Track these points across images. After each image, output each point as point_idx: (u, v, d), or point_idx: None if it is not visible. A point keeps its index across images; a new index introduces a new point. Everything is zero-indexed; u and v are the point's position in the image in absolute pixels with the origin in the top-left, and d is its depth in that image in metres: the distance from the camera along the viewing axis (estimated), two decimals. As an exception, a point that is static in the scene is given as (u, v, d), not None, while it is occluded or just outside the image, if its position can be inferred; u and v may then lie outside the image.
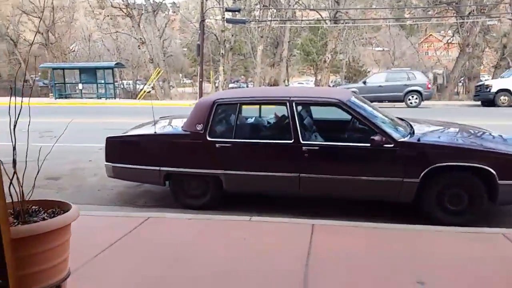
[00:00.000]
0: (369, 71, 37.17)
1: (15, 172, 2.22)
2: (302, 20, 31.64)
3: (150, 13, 32.96)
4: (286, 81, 32.32)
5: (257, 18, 30.90)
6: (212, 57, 36.68)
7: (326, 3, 28.89)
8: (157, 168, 4.88)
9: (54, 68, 27.72)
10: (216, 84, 32.33)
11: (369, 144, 4.28)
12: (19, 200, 2.20)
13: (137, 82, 42.54)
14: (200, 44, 22.41)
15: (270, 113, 5.52)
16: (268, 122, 5.35)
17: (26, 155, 2.50)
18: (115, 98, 26.50)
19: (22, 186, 2.24)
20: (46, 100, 26.37)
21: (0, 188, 1.58)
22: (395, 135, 4.36)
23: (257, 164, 4.68)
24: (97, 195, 5.64)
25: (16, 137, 2.54)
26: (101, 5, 43.36)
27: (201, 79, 22.17)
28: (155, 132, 5.00)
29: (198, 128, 4.79)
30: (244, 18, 25.44)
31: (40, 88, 36.98)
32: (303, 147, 4.49)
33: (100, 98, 26.04)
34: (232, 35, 31.02)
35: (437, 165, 4.13)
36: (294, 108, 4.61)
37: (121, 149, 5.14)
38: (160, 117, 6.66)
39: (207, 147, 4.75)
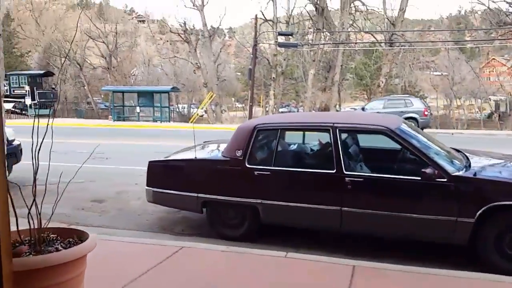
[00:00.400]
0: (426, 97, 35.64)
1: (34, 200, 2.16)
2: (356, 43, 31.20)
3: (206, 38, 34.10)
4: (337, 106, 31.78)
5: (310, 41, 30.92)
6: (264, 81, 37.05)
7: (382, 25, 28.33)
8: (195, 194, 4.78)
9: (114, 91, 29.28)
10: (267, 109, 32.46)
11: (419, 178, 3.90)
12: (38, 227, 2.11)
13: (192, 106, 43.85)
14: (252, 68, 22.69)
15: (314, 140, 5.27)
16: (310, 150, 5.10)
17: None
18: (169, 121, 27.37)
19: (40, 214, 2.18)
20: (105, 122, 27.83)
21: (5, 218, 1.47)
22: (449, 168, 3.94)
23: (296, 194, 4.43)
24: (137, 220, 5.64)
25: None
26: (161, 31, 45.72)
27: (251, 103, 22.34)
28: (195, 157, 4.93)
29: (238, 154, 4.65)
30: (296, 42, 25.51)
31: (101, 110, 39.26)
32: (346, 178, 4.19)
33: (156, 121, 27.01)
34: (284, 59, 31.21)
35: (496, 203, 3.66)
36: (338, 135, 4.34)
37: (161, 174, 5.12)
38: (204, 142, 6.63)
39: (246, 174, 4.58)
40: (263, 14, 31.12)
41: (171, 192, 4.93)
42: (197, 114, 30.14)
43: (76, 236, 2.25)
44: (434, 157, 4.02)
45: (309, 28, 32.07)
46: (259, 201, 4.52)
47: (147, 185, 5.13)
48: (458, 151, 4.91)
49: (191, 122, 28.05)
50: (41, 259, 1.94)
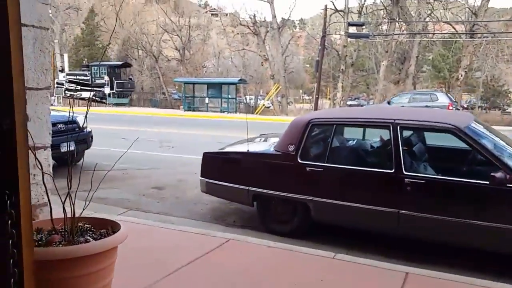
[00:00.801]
0: (510, 92, 32.48)
1: (69, 192, 2.21)
2: (434, 34, 29.21)
3: (275, 30, 34.03)
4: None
5: (383, 32, 29.54)
6: (332, 73, 36.19)
7: (462, 15, 26.22)
8: (246, 187, 4.74)
9: (185, 83, 30.39)
10: (334, 101, 31.71)
11: (488, 182, 3.50)
12: (71, 216, 2.17)
13: (259, 97, 44.22)
14: (320, 60, 22.23)
15: (373, 136, 4.98)
16: (368, 147, 4.81)
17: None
18: (236, 112, 27.84)
19: (74, 204, 2.23)
20: (176, 111, 29.02)
21: (26, 207, 1.49)
22: (525, 173, 3.49)
23: (349, 193, 4.21)
24: (192, 208, 5.75)
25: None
26: (233, 23, 46.51)
27: (317, 96, 21.93)
28: (247, 150, 4.89)
29: (290, 149, 4.53)
30: (367, 33, 24.48)
31: (175, 101, 40.99)
32: (406, 179, 3.88)
33: (223, 111, 27.62)
34: (355, 50, 30.15)
35: None
36: (398, 132, 4.04)
37: (215, 165, 5.15)
38: (260, 134, 6.59)
39: (297, 170, 4.45)
40: (333, 4, 30.45)
41: (224, 183, 4.95)
42: (263, 105, 30.31)
43: (111, 227, 2.28)
44: (506, 160, 3.58)
45: (383, 18, 30.62)
46: (310, 198, 4.37)
47: (201, 176, 5.20)
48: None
49: (256, 113, 28.31)
50: (64, 250, 1.98)
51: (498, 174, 3.45)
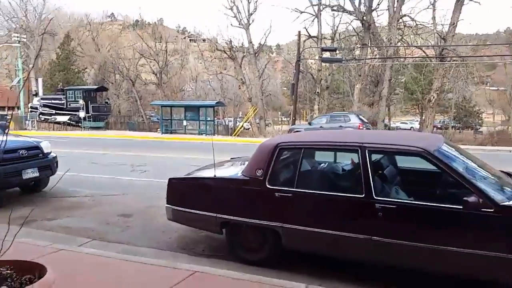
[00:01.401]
0: (482, 112, 33.51)
1: None
2: (405, 58, 30.06)
3: (252, 55, 34.38)
4: (385, 121, 30.61)
5: (356, 57, 30.23)
6: (309, 96, 36.63)
7: (432, 40, 27.11)
8: (214, 214, 4.53)
9: (162, 105, 30.15)
10: (312, 123, 31.94)
11: (461, 207, 3.40)
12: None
13: (238, 119, 44.30)
14: (295, 83, 22.44)
15: (342, 160, 4.87)
16: (337, 171, 4.69)
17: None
18: (214, 134, 27.66)
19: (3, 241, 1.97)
20: (153, 134, 28.62)
21: None
22: (497, 197, 3.41)
23: (320, 219, 4.05)
24: (160, 237, 5.47)
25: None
26: (210, 48, 46.84)
27: (294, 117, 22.07)
28: (214, 176, 4.69)
29: (258, 174, 4.36)
30: (340, 57, 24.96)
31: (153, 123, 40.53)
32: (376, 204, 3.76)
33: (201, 134, 27.39)
34: (329, 74, 30.64)
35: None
36: (367, 156, 3.93)
37: (181, 191, 4.92)
38: (231, 158, 6.41)
39: (266, 196, 4.27)
40: (307, 31, 30.99)
41: (191, 211, 4.72)
42: (242, 127, 30.25)
43: (38, 272, 2.02)
44: (478, 183, 3.51)
45: (356, 43, 31.40)
46: (280, 224, 4.19)
47: (167, 203, 4.96)
48: (511, 175, 4.32)
49: (234, 135, 28.19)
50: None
51: (471, 199, 3.36)
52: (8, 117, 44.27)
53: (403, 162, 4.73)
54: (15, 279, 1.95)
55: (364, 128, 20.06)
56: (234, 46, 35.44)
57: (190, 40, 60.03)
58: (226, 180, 4.64)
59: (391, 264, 3.90)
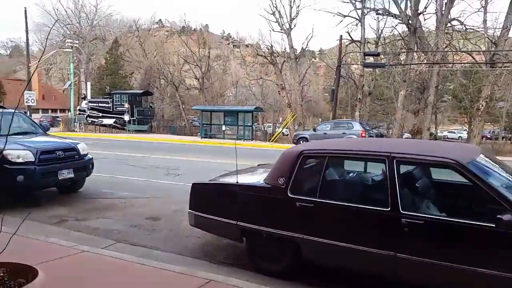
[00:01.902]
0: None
1: None
2: (453, 64, 28.73)
3: (292, 60, 34.25)
4: (431, 129, 29.36)
5: (401, 62, 29.27)
6: (350, 102, 35.89)
7: (482, 45, 25.75)
8: (235, 222, 4.44)
9: (203, 110, 30.63)
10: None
11: (494, 225, 3.10)
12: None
13: (277, 125, 44.24)
14: (335, 89, 22.04)
15: (369, 170, 4.63)
16: (363, 182, 4.45)
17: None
18: (252, 139, 27.73)
19: None
20: (193, 138, 29.12)
21: None
22: (537, 216, 3.08)
23: (342, 232, 3.85)
24: (183, 242, 5.45)
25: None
26: (253, 54, 47.23)
27: (333, 124, 21.61)
28: (236, 182, 4.60)
29: (280, 182, 4.23)
30: (383, 62, 24.23)
31: (194, 128, 41.35)
32: (403, 219, 3.52)
33: (240, 139, 27.54)
34: (372, 80, 29.85)
35: None
36: (395, 167, 3.69)
37: (203, 197, 4.88)
38: (258, 164, 6.31)
39: (287, 205, 4.13)
40: (349, 35, 30.35)
41: (212, 217, 4.66)
42: (279, 133, 30.10)
43: (31, 275, 2.00)
44: (516, 200, 3.19)
45: (401, 48, 30.42)
46: (300, 235, 4.03)
47: (190, 208, 4.93)
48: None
49: (271, 141, 28.10)
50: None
51: (506, 217, 3.06)
52: (59, 119, 46.84)
53: (436, 174, 4.42)
54: (6, 282, 1.94)
55: (367, 136, 20.54)
56: (275, 51, 35.48)
57: (233, 46, 60.79)
58: (247, 187, 4.53)
59: (415, 283, 3.63)
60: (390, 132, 31.47)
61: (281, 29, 33.99)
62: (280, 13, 33.70)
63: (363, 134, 20.29)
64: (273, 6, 33.85)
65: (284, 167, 4.28)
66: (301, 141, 21.30)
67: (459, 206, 3.68)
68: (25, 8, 35.11)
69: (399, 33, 30.26)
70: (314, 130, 22.25)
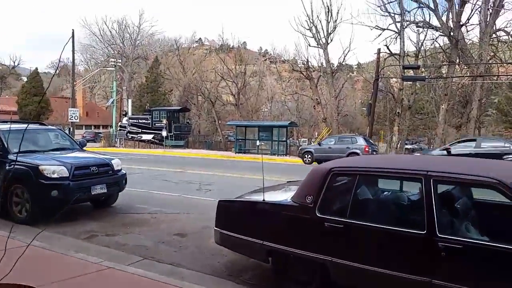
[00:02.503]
0: None
1: None
2: (498, 76, 27.41)
3: (328, 74, 33.95)
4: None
5: (443, 75, 28.26)
6: (389, 117, 34.96)
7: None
8: (260, 241, 4.27)
9: (237, 126, 30.83)
10: (391, 144, 30.35)
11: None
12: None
13: (312, 140, 43.75)
14: (372, 103, 21.52)
15: (404, 189, 4.34)
16: (396, 202, 4.17)
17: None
18: (285, 155, 27.51)
19: None
20: (228, 153, 29.29)
21: None
22: None
23: (374, 256, 3.59)
24: (209, 260, 5.34)
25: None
26: (289, 69, 47.36)
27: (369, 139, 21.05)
28: (263, 200, 4.45)
29: (308, 201, 4.04)
30: (423, 76, 23.45)
31: (230, 143, 41.71)
32: (440, 243, 3.23)
33: (274, 154, 27.41)
34: (412, 93, 28.96)
35: None
36: (432, 187, 3.42)
37: (229, 215, 4.76)
38: (288, 181, 6.14)
39: (315, 225, 3.93)
40: (388, 48, 29.69)
41: (237, 235, 4.52)
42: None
43: None
44: None
45: (442, 61, 29.42)
46: (329, 258, 3.80)
47: (216, 226, 4.82)
48: None
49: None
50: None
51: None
52: (101, 134, 48.68)
53: (478, 193, 4.08)
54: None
55: (370, 151, 20.56)
56: (311, 66, 35.34)
57: (270, 62, 61.26)
58: (274, 205, 4.37)
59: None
60: (431, 147, 30.29)
61: (317, 44, 33.87)
62: (317, 28, 33.62)
63: (367, 149, 20.37)
64: (310, 21, 33.70)
65: (312, 185, 4.09)
66: (306, 155, 21.68)
67: (503, 229, 3.34)
68: (72, 30, 37.07)
69: (440, 46, 29.32)
70: (319, 144, 22.54)
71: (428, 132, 39.96)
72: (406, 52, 29.74)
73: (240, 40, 54.49)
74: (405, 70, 24.94)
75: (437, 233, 3.28)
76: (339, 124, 33.67)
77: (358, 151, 20.07)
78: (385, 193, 4.41)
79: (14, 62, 64.90)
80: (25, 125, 8.28)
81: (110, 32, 56.03)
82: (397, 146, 27.74)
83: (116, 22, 56.96)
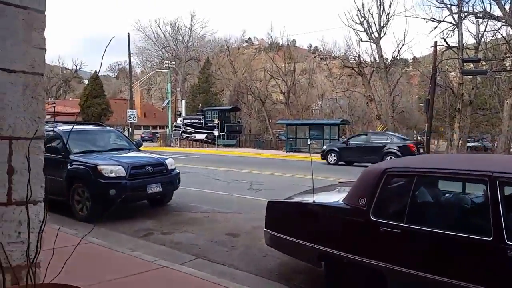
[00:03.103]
0: None
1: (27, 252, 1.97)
2: None
3: (382, 70, 32.82)
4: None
5: (506, 67, 26.30)
6: (449, 113, 33.15)
7: None
8: (312, 244, 4.15)
9: (288, 124, 30.68)
10: (452, 142, 28.77)
11: None
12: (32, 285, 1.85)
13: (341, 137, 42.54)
14: (430, 99, 20.48)
15: (466, 191, 4.03)
16: (459, 206, 3.87)
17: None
18: (338, 153, 26.93)
19: (34, 272, 1.93)
20: (279, 152, 29.23)
21: None
22: None
23: (434, 263, 3.36)
24: (260, 262, 5.30)
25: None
26: (340, 65, 46.42)
27: (428, 137, 20.04)
28: (313, 201, 4.33)
29: (361, 203, 3.86)
30: (484, 69, 21.96)
31: (281, 142, 41.64)
32: (509, 251, 2.95)
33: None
34: (473, 88, 27.24)
35: None
36: (498, 189, 3.13)
37: (279, 216, 4.69)
38: (340, 181, 5.96)
39: (369, 229, 3.75)
40: (445, 41, 28.10)
41: (288, 238, 4.43)
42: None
43: None
44: None
45: (505, 53, 27.38)
46: (385, 265, 3.60)
47: (265, 227, 4.77)
48: None
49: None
50: None
51: None
52: (158, 134, 50.56)
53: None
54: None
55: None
56: (363, 62, 34.34)
57: (320, 59, 60.42)
58: (325, 207, 4.24)
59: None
60: (495, 146, 28.36)
61: (369, 39, 32.85)
62: (368, 22, 32.59)
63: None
64: (361, 16, 32.75)
65: (366, 187, 3.91)
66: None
67: None
68: (128, 33, 38.85)
69: (503, 37, 27.28)
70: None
71: (492, 129, 37.47)
72: (465, 44, 28.03)
73: (289, 38, 53.99)
74: (465, 64, 23.51)
75: (506, 240, 2.99)
76: (395, 121, 32.39)
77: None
78: (446, 195, 4.12)
79: (76, 66, 69.06)
80: (85, 126, 8.75)
81: (164, 35, 58.08)
82: (458, 144, 26.21)
83: (169, 24, 58.63)
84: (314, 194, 4.48)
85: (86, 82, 61.73)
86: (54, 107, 47.02)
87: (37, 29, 1.99)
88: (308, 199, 4.51)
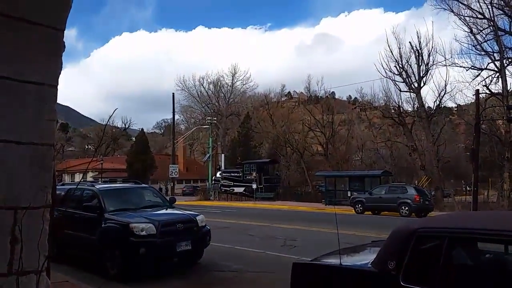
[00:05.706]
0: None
1: None
2: None
3: (424, 119, 32.12)
4: None
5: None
6: (498, 162, 31.44)
7: None
8: (339, 311, 3.88)
9: (326, 176, 30.16)
10: (502, 193, 27.00)
11: None
12: None
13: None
14: (475, 148, 19.64)
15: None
16: (503, 269, 3.50)
17: None
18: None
19: None
20: (317, 205, 28.54)
21: None
22: None
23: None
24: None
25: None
26: (380, 115, 46.00)
27: (475, 188, 18.97)
28: (340, 264, 4.09)
29: (390, 267, 3.59)
30: (533, 115, 20.88)
31: (320, 194, 40.84)
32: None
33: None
34: (523, 136, 25.86)
35: None
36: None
37: (303, 279, 4.43)
38: (373, 241, 5.63)
39: (400, 296, 3.45)
40: (487, 88, 27.33)
41: (315, 303, 4.17)
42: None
43: None
44: None
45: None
46: (418, 336, 3.28)
47: (292, 290, 4.51)
48: None
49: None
50: None
51: None
52: (198, 188, 51.21)
53: None
54: None
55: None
56: (404, 111, 33.85)
57: (360, 109, 60.26)
58: (351, 270, 3.98)
59: None
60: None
61: (409, 89, 32.60)
62: (407, 72, 32.50)
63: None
64: (400, 67, 32.74)
65: (395, 249, 3.65)
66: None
67: None
68: (173, 93, 40.92)
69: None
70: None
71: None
72: (509, 91, 27.06)
73: (327, 90, 54.30)
74: (511, 111, 22.53)
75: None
76: (440, 171, 31.04)
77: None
78: (487, 255, 3.76)
79: (125, 125, 72.85)
80: (122, 184, 9.00)
81: (207, 92, 60.52)
82: (509, 194, 24.52)
83: (212, 83, 61.11)
84: (343, 255, 4.25)
85: (134, 139, 64.71)
86: (101, 163, 49.39)
87: (48, 102, 2.09)
88: (335, 260, 4.27)
